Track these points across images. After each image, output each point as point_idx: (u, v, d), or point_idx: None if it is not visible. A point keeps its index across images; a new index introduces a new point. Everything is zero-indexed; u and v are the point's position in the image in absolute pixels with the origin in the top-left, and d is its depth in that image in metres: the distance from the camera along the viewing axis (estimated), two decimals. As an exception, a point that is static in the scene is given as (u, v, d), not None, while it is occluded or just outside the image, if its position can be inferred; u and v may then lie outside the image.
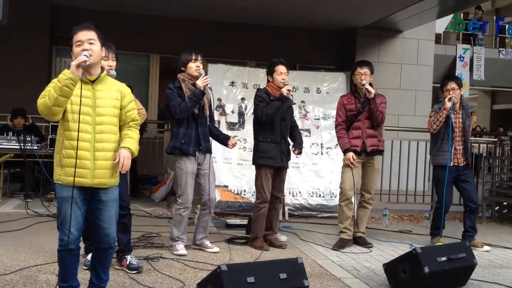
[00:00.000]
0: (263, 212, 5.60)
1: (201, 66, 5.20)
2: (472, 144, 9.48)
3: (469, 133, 6.17)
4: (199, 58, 5.18)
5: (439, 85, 6.44)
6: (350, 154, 5.73)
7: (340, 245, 5.78)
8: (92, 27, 3.47)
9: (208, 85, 5.17)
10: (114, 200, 3.55)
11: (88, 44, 3.39)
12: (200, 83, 5.08)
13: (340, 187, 5.89)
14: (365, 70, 5.84)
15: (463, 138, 6.08)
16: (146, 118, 5.00)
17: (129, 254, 4.53)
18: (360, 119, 5.84)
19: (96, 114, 3.42)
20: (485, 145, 9.92)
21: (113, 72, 4.40)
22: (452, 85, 6.02)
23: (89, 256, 4.41)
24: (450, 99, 5.92)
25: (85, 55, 3.28)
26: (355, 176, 5.78)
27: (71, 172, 3.34)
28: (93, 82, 3.45)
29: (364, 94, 5.84)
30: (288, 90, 5.54)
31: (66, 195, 3.37)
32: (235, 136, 5.59)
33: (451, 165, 6.02)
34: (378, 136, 5.94)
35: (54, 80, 3.33)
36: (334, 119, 6.16)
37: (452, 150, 6.03)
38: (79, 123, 3.35)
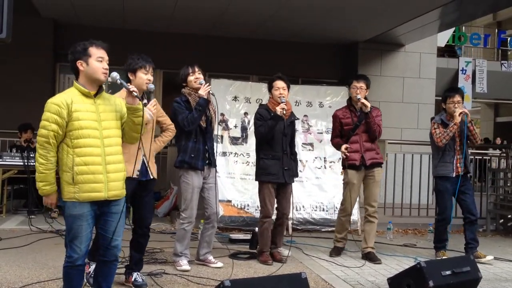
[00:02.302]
0: (266, 227, 5.58)
1: (201, 76, 5.22)
2: (476, 157, 9.49)
3: (466, 138, 6.15)
4: (196, 69, 5.21)
5: (441, 98, 6.43)
6: (344, 146, 5.84)
7: (337, 252, 6.03)
8: (107, 48, 3.59)
9: (210, 91, 5.17)
10: (122, 212, 3.60)
11: (106, 64, 3.50)
12: (202, 92, 5.10)
13: (343, 204, 6.03)
14: (361, 84, 5.87)
15: (461, 147, 6.09)
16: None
17: (137, 272, 4.52)
18: (357, 133, 5.87)
19: (103, 128, 3.46)
20: (489, 157, 9.90)
21: (151, 86, 4.43)
22: (458, 98, 6.03)
23: (91, 268, 4.39)
24: (461, 114, 5.89)
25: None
26: (356, 192, 5.96)
27: (86, 188, 3.38)
28: (94, 96, 3.50)
29: (359, 108, 5.86)
30: (282, 108, 5.46)
31: (78, 213, 3.39)
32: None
33: (454, 175, 6.02)
34: (376, 149, 5.98)
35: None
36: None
37: (454, 160, 6.04)
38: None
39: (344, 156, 5.86)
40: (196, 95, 5.16)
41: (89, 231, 3.46)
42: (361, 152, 5.84)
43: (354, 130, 5.86)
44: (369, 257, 5.87)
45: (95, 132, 3.42)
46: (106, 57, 3.51)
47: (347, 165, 5.90)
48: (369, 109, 5.77)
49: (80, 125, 3.37)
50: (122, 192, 3.55)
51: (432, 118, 6.38)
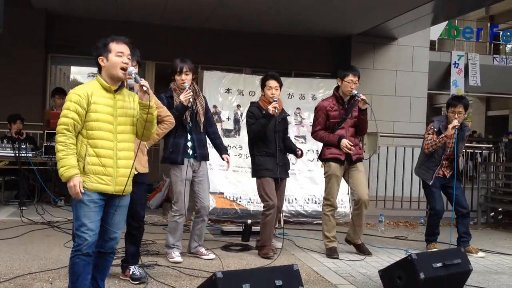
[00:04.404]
0: (270, 219, 5.55)
1: (189, 77, 5.17)
2: (468, 150, 9.56)
3: (460, 153, 6.15)
4: (185, 69, 5.15)
5: (434, 91, 6.45)
6: (346, 141, 5.56)
7: (336, 252, 5.70)
8: (129, 42, 3.59)
9: (190, 98, 5.08)
10: (125, 206, 3.64)
11: (127, 59, 3.51)
12: (182, 97, 5.06)
13: (328, 198, 5.75)
14: (357, 79, 5.66)
15: (452, 156, 6.10)
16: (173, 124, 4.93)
17: (133, 265, 4.50)
18: (343, 127, 5.69)
19: (117, 123, 3.49)
20: (480, 151, 9.97)
21: (131, 81, 4.37)
22: (460, 108, 5.93)
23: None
24: (454, 128, 5.83)
25: (135, 73, 3.58)
26: (339, 185, 5.75)
27: (96, 179, 3.41)
28: (115, 91, 3.53)
29: (349, 101, 5.70)
30: (274, 107, 5.44)
31: (87, 199, 3.40)
32: (228, 161, 5.50)
33: (430, 183, 6.07)
34: (359, 144, 5.87)
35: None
36: (311, 127, 5.94)
37: (437, 170, 6.07)
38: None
39: (349, 151, 5.58)
40: (181, 92, 5.15)
41: (97, 220, 3.45)
42: None
43: (341, 124, 5.68)
44: (361, 249, 5.86)
45: (110, 126, 3.46)
46: (127, 52, 3.53)
47: (329, 158, 5.70)
48: (367, 106, 5.59)
49: (97, 117, 3.41)
50: (128, 188, 3.58)
51: (433, 121, 6.26)
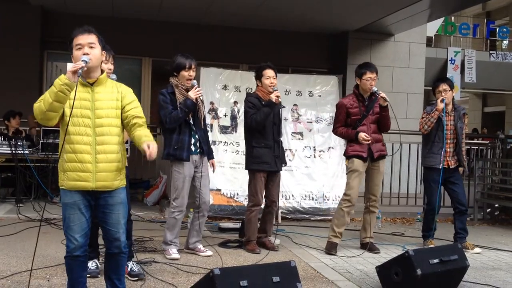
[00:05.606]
0: (255, 215, 5.59)
1: (194, 74, 5.18)
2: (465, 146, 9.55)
3: (462, 135, 6.16)
4: (192, 66, 5.14)
5: (430, 88, 6.46)
6: (362, 134, 5.56)
7: (335, 249, 5.69)
8: (93, 30, 3.43)
9: (200, 97, 5.16)
10: (121, 204, 3.48)
11: (88, 48, 3.34)
12: (192, 95, 5.07)
13: (348, 193, 5.67)
14: (375, 75, 5.66)
15: (454, 140, 6.07)
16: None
17: (130, 261, 4.48)
18: (365, 124, 5.66)
19: (96, 116, 3.36)
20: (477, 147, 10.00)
21: (113, 76, 4.36)
22: (444, 86, 5.99)
23: (90, 264, 4.34)
24: (442, 100, 5.90)
25: (83, 60, 3.23)
26: (360, 182, 5.71)
27: (73, 176, 3.32)
28: (92, 84, 3.40)
29: (369, 98, 5.68)
30: (277, 96, 5.46)
31: (70, 201, 3.34)
32: (213, 164, 5.47)
33: (440, 167, 6.01)
34: (382, 140, 5.83)
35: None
36: (333, 123, 5.97)
37: (443, 152, 6.03)
38: (68, 125, 3.32)
39: (367, 142, 5.56)
40: (184, 88, 5.13)
41: (84, 221, 3.37)
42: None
43: (362, 120, 5.64)
44: (369, 246, 5.83)
45: (87, 120, 3.34)
46: (86, 41, 3.34)
47: (352, 155, 5.68)
48: (387, 103, 5.59)
49: (71, 112, 3.30)
50: (113, 184, 3.42)
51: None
